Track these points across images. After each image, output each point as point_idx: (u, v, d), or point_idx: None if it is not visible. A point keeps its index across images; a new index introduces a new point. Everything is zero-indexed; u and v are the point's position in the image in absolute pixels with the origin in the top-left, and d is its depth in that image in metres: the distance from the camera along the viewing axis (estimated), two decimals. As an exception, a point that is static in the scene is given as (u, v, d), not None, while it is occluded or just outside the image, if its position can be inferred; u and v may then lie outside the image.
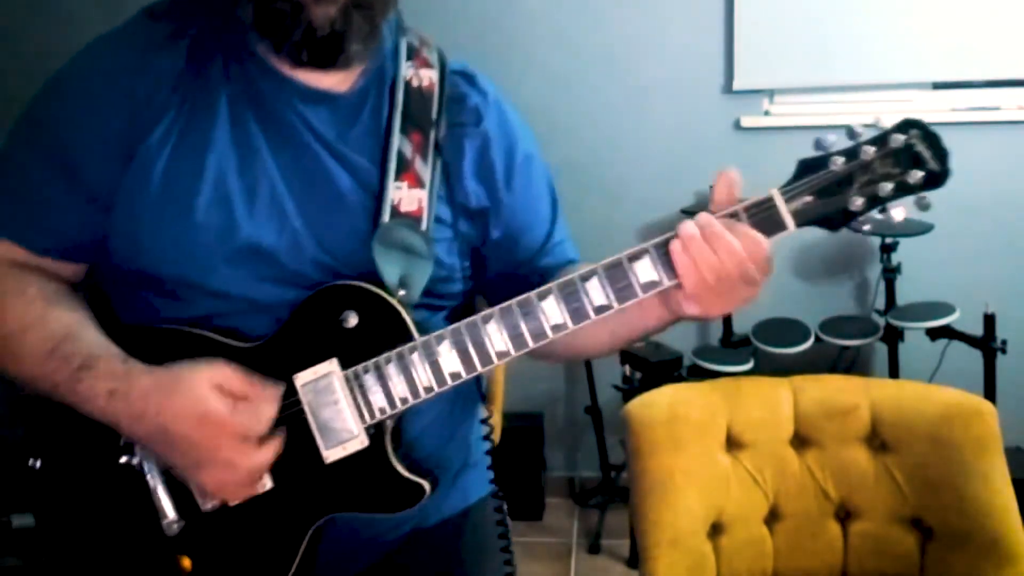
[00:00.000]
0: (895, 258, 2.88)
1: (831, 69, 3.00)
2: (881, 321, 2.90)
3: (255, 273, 1.00)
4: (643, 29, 3.10)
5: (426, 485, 1.01)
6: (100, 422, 0.98)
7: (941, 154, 0.92)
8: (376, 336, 0.99)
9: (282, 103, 1.03)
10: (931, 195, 0.94)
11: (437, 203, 1.06)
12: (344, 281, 1.01)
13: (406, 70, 1.09)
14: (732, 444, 1.78)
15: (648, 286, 0.96)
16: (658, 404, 1.77)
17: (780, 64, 3.02)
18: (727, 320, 3.06)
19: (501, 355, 0.98)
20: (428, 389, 0.99)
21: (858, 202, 0.93)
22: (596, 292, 0.96)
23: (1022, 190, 2.99)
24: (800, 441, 1.80)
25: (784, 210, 0.94)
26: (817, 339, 2.86)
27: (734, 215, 0.95)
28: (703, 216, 0.94)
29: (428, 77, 1.10)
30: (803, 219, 0.94)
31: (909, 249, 2.88)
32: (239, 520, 1.02)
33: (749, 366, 2.78)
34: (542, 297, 0.97)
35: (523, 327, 0.97)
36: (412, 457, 1.05)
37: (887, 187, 0.93)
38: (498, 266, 1.15)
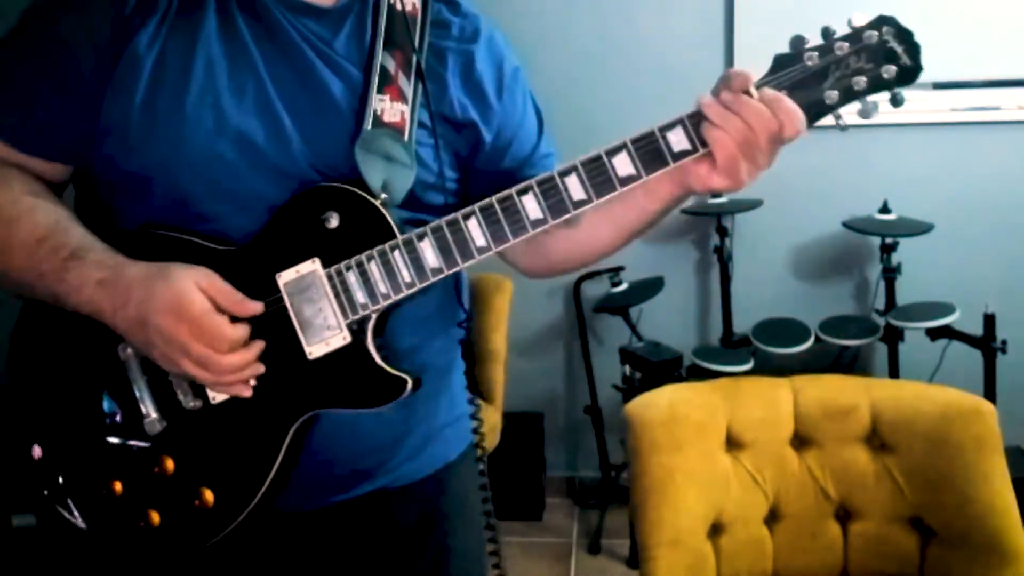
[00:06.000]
0: (895, 258, 2.88)
1: (831, 69, 2.99)
2: (881, 321, 2.90)
3: (244, 165, 1.01)
4: (643, 29, 3.10)
5: (408, 379, 1.02)
6: (81, 314, 0.99)
7: (914, 50, 0.94)
8: (358, 236, 1.01)
9: (271, 8, 1.04)
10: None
11: (420, 113, 1.08)
12: (326, 183, 1.02)
13: None
14: (732, 444, 1.78)
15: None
16: (658, 404, 1.77)
17: (780, 64, 3.02)
18: (727, 320, 3.06)
19: (481, 250, 1.00)
20: (409, 285, 1.00)
21: (832, 95, 0.95)
22: (575, 187, 0.97)
23: (1022, 190, 3.00)
24: (800, 441, 1.80)
25: None
26: (817, 339, 2.86)
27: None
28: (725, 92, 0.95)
29: (411, 3, 1.11)
30: None
31: (909, 249, 2.88)
32: (222, 418, 1.03)
33: (749, 366, 2.78)
34: (522, 193, 0.99)
35: (503, 222, 0.99)
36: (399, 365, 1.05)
37: (861, 81, 0.95)
38: (486, 178, 1.15)
